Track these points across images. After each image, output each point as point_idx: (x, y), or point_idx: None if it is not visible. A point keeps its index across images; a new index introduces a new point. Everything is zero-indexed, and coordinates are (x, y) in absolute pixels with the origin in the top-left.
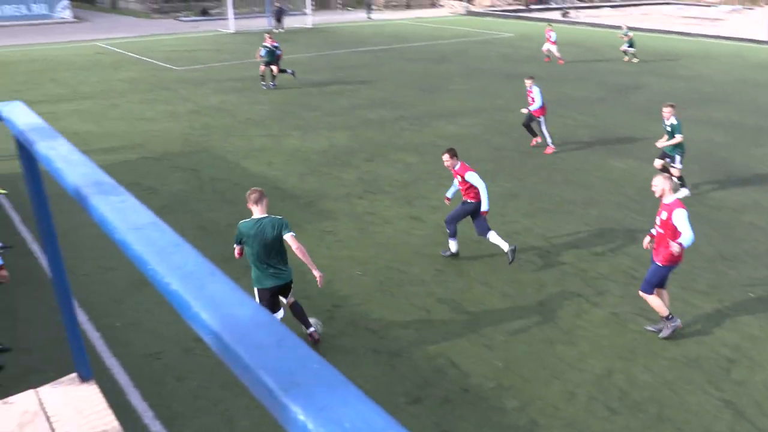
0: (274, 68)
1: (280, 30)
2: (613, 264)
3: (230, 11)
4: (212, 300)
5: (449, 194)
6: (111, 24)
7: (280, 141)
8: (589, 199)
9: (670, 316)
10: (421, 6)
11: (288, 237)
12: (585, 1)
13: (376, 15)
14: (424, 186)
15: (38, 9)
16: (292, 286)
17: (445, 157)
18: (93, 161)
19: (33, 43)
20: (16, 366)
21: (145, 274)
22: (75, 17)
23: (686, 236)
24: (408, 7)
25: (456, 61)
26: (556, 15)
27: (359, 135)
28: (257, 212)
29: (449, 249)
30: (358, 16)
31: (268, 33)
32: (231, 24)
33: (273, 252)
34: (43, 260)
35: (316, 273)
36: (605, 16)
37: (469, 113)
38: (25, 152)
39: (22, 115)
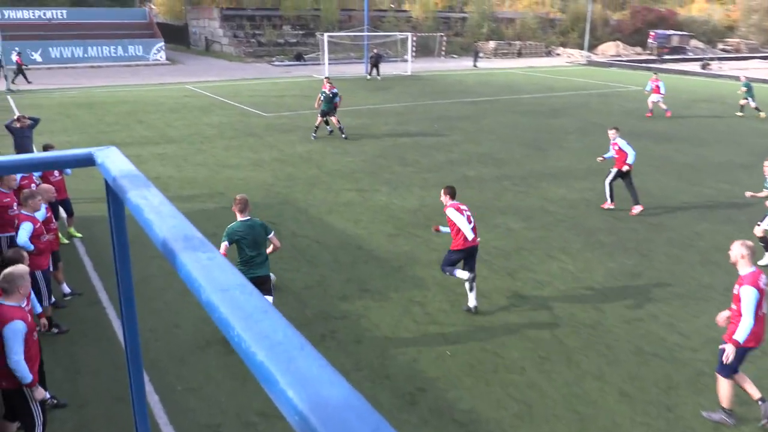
0: (333, 119)
1: (377, 77)
2: (763, 368)
3: (325, 56)
4: (301, 376)
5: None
6: (203, 67)
7: (369, 196)
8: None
9: (729, 412)
10: (534, 54)
11: (272, 236)
12: (730, 51)
13: (483, 63)
14: (529, 257)
15: (134, 50)
16: (272, 290)
17: (441, 193)
18: (183, 215)
19: (125, 84)
20: (70, 421)
21: (229, 341)
22: (168, 59)
23: (743, 324)
24: (519, 55)
25: (571, 116)
26: (694, 66)
27: (458, 194)
28: (242, 216)
29: (467, 304)
30: (463, 63)
31: (327, 78)
32: (325, 70)
33: (259, 247)
34: (110, 310)
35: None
36: (754, 68)
37: (584, 175)
38: (116, 199)
39: (116, 162)
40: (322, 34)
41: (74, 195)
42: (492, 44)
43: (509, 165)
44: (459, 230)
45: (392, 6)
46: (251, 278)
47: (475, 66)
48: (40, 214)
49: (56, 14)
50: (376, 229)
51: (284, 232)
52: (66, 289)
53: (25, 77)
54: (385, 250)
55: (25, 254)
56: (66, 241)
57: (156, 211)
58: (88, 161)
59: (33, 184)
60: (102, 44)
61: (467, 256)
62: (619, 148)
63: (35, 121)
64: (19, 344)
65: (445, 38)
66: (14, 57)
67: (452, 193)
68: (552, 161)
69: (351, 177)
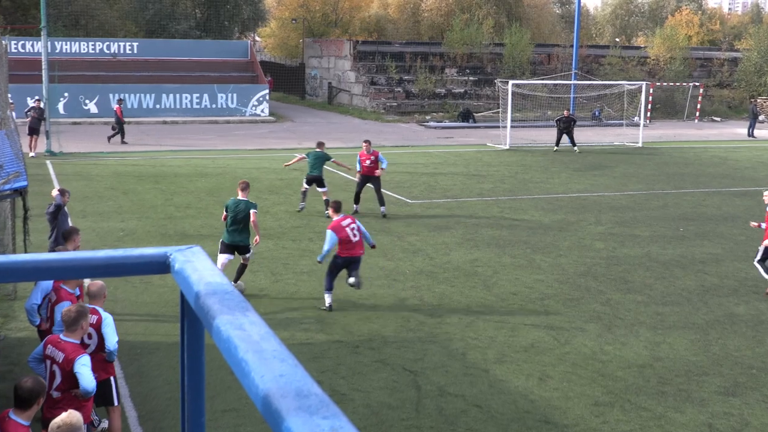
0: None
1: (573, 149)
2: None
3: (508, 115)
4: None
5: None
6: (321, 126)
7: (566, 339)
8: None
9: None
10: None
11: (252, 212)
12: None
13: (764, 131)
14: None
15: (225, 101)
16: (249, 254)
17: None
18: (293, 356)
19: (207, 150)
20: None
21: None
22: (272, 114)
23: None
24: None
25: None
26: None
27: (712, 343)
28: (241, 196)
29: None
30: (730, 131)
31: (367, 142)
32: (506, 135)
33: (239, 223)
34: None
35: (257, 238)
36: None
37: None
38: (195, 324)
39: (201, 269)
40: (505, 82)
41: (117, 308)
42: None
43: None
44: (341, 241)
45: (617, 40)
46: (225, 241)
47: (750, 135)
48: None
49: (124, 48)
50: (575, 392)
51: (426, 387)
52: None
53: (123, 135)
54: (589, 428)
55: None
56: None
57: (256, 350)
58: (161, 266)
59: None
60: (181, 91)
61: (348, 264)
62: None
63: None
64: None
65: (701, 90)
66: (114, 106)
67: (337, 209)
68: None
69: (538, 304)
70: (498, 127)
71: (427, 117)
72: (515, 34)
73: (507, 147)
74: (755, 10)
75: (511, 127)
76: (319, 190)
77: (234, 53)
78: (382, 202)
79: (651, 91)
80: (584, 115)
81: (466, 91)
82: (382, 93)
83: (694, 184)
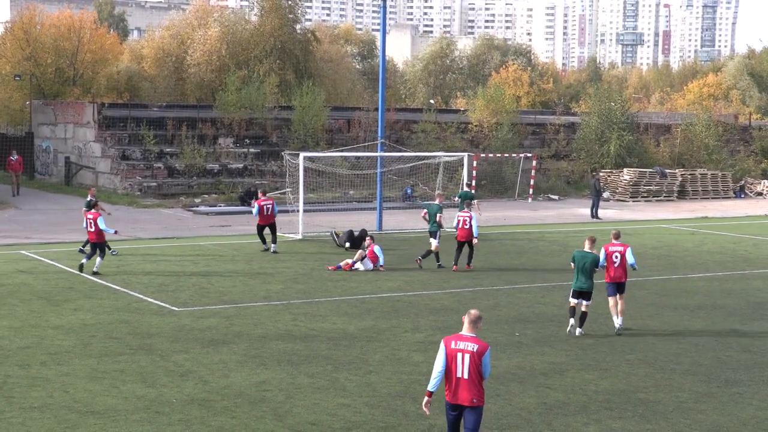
0: None
1: (345, 246)
2: None
3: (300, 197)
4: None
5: None
6: (57, 215)
7: None
8: None
9: None
10: (712, 193)
11: (437, 215)
12: None
13: (609, 210)
14: None
15: None
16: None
17: None
18: None
19: None
20: None
21: None
22: None
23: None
24: (682, 194)
25: None
26: None
27: None
28: (438, 201)
29: None
30: (571, 211)
31: None
32: (298, 222)
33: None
34: None
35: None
36: None
37: None
38: None
39: None
40: (295, 155)
41: None
42: (627, 175)
43: (671, 415)
44: None
45: (432, 102)
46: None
47: (594, 216)
48: None
49: None
50: None
51: None
52: None
53: None
54: None
55: None
56: None
57: None
58: None
59: None
60: None
61: None
62: None
63: None
64: None
65: (534, 163)
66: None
67: None
68: (753, 410)
69: None
70: (288, 211)
71: (197, 200)
72: (306, 94)
73: (300, 236)
74: (592, 65)
75: (305, 211)
76: None
77: None
78: None
79: (475, 164)
80: (394, 195)
81: (247, 167)
82: (137, 170)
83: (531, 278)
